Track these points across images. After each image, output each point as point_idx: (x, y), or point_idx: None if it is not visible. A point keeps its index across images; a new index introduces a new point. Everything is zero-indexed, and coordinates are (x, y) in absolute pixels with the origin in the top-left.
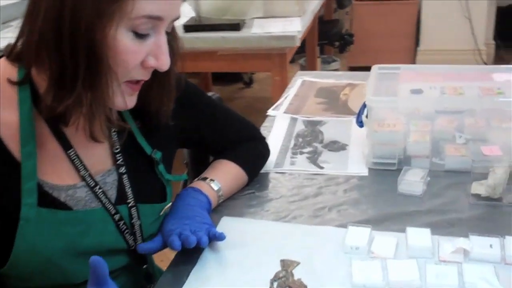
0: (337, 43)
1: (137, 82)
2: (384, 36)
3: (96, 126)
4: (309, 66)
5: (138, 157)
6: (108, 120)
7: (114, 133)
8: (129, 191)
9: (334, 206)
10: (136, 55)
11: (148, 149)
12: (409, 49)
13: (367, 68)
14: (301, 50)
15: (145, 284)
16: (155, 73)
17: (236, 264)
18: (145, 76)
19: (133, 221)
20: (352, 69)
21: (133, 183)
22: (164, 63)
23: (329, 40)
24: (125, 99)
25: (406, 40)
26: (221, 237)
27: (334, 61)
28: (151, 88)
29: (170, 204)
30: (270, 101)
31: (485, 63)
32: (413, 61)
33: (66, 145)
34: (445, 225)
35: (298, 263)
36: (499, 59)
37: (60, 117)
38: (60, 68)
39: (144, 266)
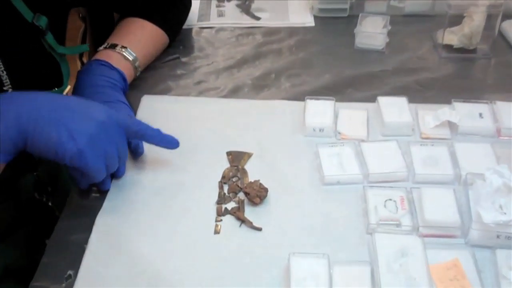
0: None
1: None
2: None
3: None
4: None
5: (15, 27)
6: None
7: None
8: (4, 76)
9: (281, 70)
10: None
11: (28, 14)
12: None
13: None
14: None
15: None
16: None
17: (167, 162)
18: None
19: None
20: None
21: (11, 64)
22: None
23: None
24: None
25: None
26: (138, 153)
27: None
28: None
29: (68, 88)
30: None
31: None
32: None
33: None
34: (418, 88)
35: (250, 155)
36: None
37: None
38: None
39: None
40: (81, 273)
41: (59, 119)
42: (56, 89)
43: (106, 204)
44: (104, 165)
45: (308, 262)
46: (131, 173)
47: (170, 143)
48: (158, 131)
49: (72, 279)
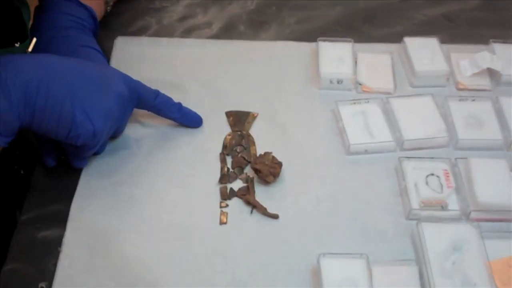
0: None
1: None
2: None
3: None
4: None
5: None
6: None
7: None
8: None
9: (282, 1)
10: None
11: None
12: None
13: None
14: None
15: None
16: None
17: (152, 129)
18: None
19: None
20: None
21: None
22: None
23: None
24: None
25: None
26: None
27: None
28: None
29: (34, 41)
30: None
31: None
32: None
33: None
34: (445, 22)
35: (255, 116)
36: None
37: None
38: None
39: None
40: (56, 285)
41: (75, 92)
42: (18, 44)
43: (81, 186)
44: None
45: (343, 265)
46: (109, 147)
47: (193, 121)
48: (179, 105)
49: None
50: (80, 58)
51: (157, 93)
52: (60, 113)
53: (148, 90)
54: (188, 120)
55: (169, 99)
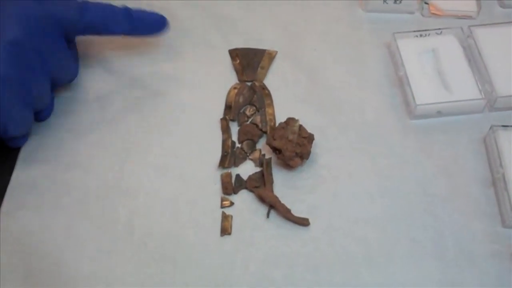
0: None
1: None
2: None
3: None
4: None
5: None
6: None
7: None
8: None
9: None
10: None
11: None
12: None
13: None
14: None
15: None
16: None
17: (119, 82)
18: None
19: None
20: None
21: None
22: None
23: None
24: None
25: None
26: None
27: None
28: None
29: None
30: None
31: None
32: None
33: None
34: None
35: (272, 56)
36: None
37: None
38: None
39: None
40: None
41: None
42: None
43: (16, 177)
44: (30, 109)
45: None
46: (58, 106)
47: (151, 26)
48: (125, 11)
49: None
50: None
51: (82, 5)
52: None
53: (68, 4)
54: (145, 28)
55: (107, 8)
